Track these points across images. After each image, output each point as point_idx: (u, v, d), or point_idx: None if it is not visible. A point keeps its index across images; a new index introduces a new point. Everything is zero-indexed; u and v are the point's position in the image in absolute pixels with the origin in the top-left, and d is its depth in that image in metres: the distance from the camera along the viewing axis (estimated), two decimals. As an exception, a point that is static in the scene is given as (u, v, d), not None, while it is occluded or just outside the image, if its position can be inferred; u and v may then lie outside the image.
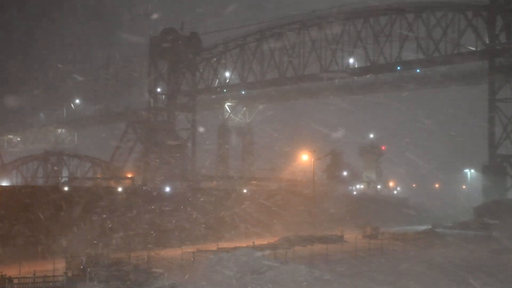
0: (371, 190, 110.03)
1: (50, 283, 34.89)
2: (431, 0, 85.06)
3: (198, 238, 58.45)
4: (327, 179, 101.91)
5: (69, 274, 36.28)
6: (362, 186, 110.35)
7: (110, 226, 53.60)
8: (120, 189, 67.04)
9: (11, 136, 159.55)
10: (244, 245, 51.34)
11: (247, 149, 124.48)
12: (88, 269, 35.78)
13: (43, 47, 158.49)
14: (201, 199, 67.22)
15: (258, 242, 54.43)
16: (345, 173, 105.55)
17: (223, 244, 52.35)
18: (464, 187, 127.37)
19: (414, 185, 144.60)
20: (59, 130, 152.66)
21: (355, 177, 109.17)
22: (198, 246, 53.08)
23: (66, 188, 63.69)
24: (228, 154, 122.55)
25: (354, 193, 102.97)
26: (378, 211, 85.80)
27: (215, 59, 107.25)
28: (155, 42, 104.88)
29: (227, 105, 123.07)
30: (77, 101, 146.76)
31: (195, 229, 61.25)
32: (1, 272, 35.07)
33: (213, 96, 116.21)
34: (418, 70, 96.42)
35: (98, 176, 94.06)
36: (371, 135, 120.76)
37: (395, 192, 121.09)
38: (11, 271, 36.51)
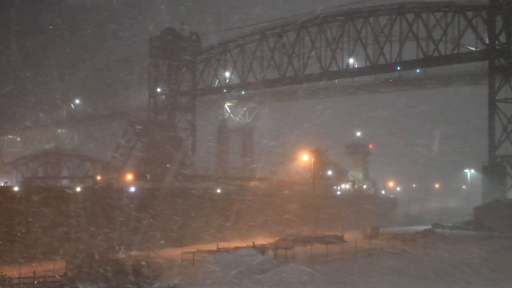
0: (356, 190, 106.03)
1: (50, 283, 34.84)
2: (431, 0, 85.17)
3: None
4: (311, 179, 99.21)
5: (69, 274, 36.23)
6: (347, 186, 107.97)
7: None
8: (78, 189, 61.44)
9: (11, 136, 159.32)
10: (244, 245, 51.34)
11: (246, 149, 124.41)
12: (88, 270, 35.70)
13: (43, 47, 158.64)
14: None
15: (258, 242, 54.42)
16: (329, 172, 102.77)
17: (223, 244, 52.31)
18: (464, 187, 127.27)
19: (414, 185, 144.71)
20: (59, 130, 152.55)
21: (340, 176, 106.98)
22: (198, 246, 53.04)
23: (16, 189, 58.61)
24: (228, 154, 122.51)
25: (338, 193, 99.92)
26: (359, 212, 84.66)
27: (215, 59, 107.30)
28: (155, 42, 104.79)
29: (227, 105, 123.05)
30: (77, 101, 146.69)
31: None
32: (1, 272, 35.06)
33: (213, 96, 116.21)
34: (418, 70, 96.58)
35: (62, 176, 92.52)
36: (358, 133, 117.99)
37: (383, 191, 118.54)
38: (11, 271, 36.53)
